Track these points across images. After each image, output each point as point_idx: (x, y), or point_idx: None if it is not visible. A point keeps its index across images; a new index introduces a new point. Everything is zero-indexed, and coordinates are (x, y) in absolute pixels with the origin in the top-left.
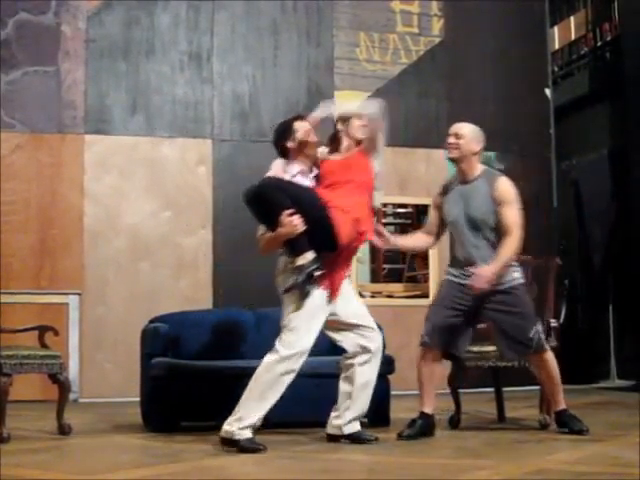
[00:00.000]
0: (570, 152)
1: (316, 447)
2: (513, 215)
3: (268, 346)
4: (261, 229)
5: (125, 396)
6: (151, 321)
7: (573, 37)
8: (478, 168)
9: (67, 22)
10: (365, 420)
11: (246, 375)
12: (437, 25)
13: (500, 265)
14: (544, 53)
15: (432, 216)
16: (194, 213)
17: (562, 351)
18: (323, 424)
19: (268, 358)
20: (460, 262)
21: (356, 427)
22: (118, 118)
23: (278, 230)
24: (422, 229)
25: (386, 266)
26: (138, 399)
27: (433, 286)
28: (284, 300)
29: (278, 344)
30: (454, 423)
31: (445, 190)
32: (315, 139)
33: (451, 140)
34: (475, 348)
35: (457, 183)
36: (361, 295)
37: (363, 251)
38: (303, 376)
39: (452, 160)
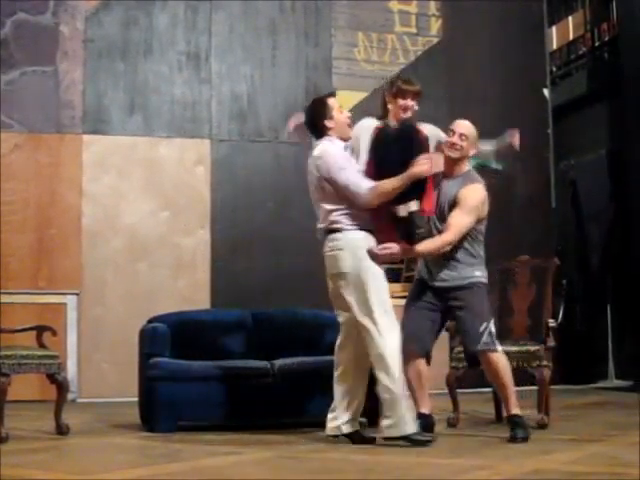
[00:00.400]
0: (568, 152)
1: (315, 447)
2: (459, 219)
3: (266, 346)
4: (364, 183)
5: (123, 396)
6: (149, 321)
7: (571, 37)
8: (465, 168)
9: (65, 22)
10: (364, 420)
11: (244, 375)
12: (435, 25)
13: (414, 252)
14: (542, 53)
15: None
16: (192, 213)
17: (560, 351)
18: (323, 424)
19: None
20: (432, 266)
21: (355, 426)
22: (116, 118)
23: (412, 170)
24: None
25: (384, 266)
26: (136, 399)
27: None
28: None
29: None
30: (452, 423)
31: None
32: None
33: (456, 140)
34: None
35: (441, 178)
36: None
37: None
38: (304, 376)
39: (451, 160)
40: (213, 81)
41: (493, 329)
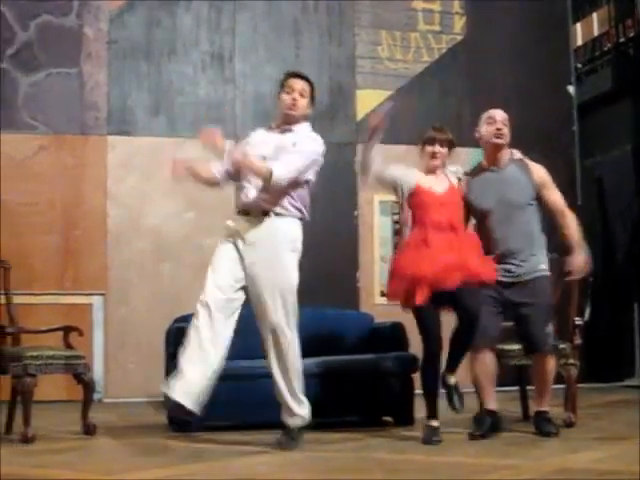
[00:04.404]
0: (594, 149)
1: (339, 446)
2: (559, 196)
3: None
4: None
5: (149, 396)
6: (175, 321)
7: (596, 33)
8: (508, 155)
9: (89, 24)
10: (390, 419)
11: (269, 375)
12: (459, 23)
13: (581, 246)
14: (567, 50)
15: None
16: (217, 214)
17: (587, 349)
18: (347, 424)
19: None
20: (496, 259)
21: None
22: (141, 119)
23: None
24: None
25: None
26: (162, 399)
27: None
28: None
29: None
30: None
31: (469, 179)
32: None
33: (500, 126)
34: (501, 346)
35: (484, 170)
36: (385, 294)
37: (388, 248)
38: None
39: (497, 147)
40: (237, 81)
41: (552, 330)
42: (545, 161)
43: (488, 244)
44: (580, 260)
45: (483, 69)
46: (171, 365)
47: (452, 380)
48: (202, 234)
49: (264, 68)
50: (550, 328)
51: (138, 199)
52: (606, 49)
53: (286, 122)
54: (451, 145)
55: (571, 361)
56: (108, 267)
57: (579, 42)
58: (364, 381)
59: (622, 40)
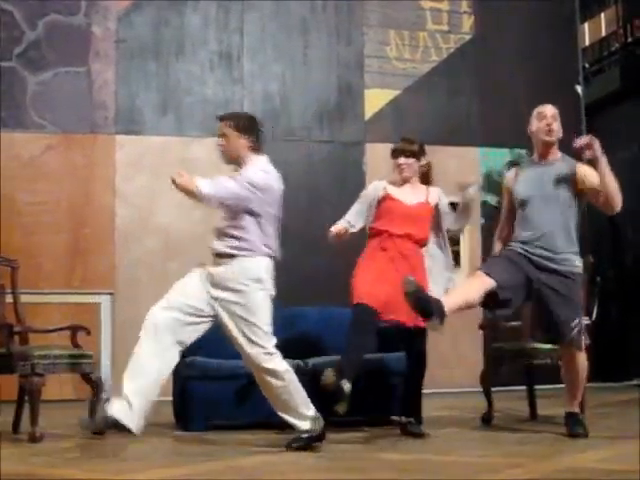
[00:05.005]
0: (602, 149)
1: (351, 447)
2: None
3: (297, 344)
4: None
5: (157, 395)
6: None
7: (604, 33)
8: (558, 152)
9: (97, 23)
10: (397, 419)
11: None
12: (467, 22)
13: (605, 163)
14: (575, 50)
15: (507, 201)
16: None
17: (595, 349)
18: (355, 423)
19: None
20: (527, 242)
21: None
22: (149, 118)
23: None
24: (501, 222)
25: None
26: (170, 398)
27: None
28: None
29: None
30: (486, 421)
31: (515, 172)
32: None
33: (550, 121)
34: (508, 346)
35: (532, 164)
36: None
37: None
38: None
39: (548, 144)
40: (245, 81)
41: (583, 326)
42: None
43: (523, 231)
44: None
45: (491, 69)
46: (180, 364)
47: (346, 387)
48: (210, 233)
49: (272, 68)
50: (578, 323)
51: (146, 198)
52: (614, 49)
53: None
54: (418, 155)
55: None
56: (116, 266)
57: (587, 42)
58: (370, 380)
59: (630, 40)
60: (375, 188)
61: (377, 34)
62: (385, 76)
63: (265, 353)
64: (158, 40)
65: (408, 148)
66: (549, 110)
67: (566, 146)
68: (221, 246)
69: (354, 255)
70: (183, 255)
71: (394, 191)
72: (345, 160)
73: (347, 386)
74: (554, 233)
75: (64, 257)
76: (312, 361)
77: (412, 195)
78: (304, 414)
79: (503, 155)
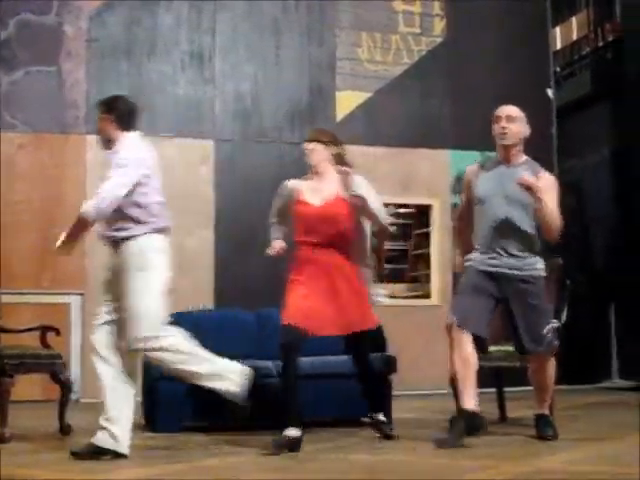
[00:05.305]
0: (572, 152)
1: (317, 447)
2: (550, 214)
3: (270, 346)
4: None
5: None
6: None
7: (575, 37)
8: (523, 155)
9: (69, 22)
10: (367, 420)
11: None
12: (439, 25)
13: (546, 204)
14: (546, 53)
15: (465, 194)
16: (196, 213)
17: (564, 351)
18: (323, 424)
19: None
20: (488, 245)
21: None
22: None
23: None
24: (457, 219)
25: (388, 266)
26: (140, 399)
27: (434, 287)
28: None
29: None
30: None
31: (477, 171)
32: None
33: (504, 124)
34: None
35: (496, 165)
36: None
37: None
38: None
39: (504, 148)
40: (217, 81)
41: (555, 328)
42: None
43: (481, 232)
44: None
45: (463, 71)
46: (148, 365)
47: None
48: (181, 233)
49: (244, 68)
50: (550, 329)
51: None
52: (585, 53)
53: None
54: (327, 143)
55: None
56: (87, 267)
57: (558, 46)
58: (342, 382)
59: (601, 44)
60: (280, 195)
61: (349, 36)
62: (357, 78)
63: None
64: (130, 40)
65: (312, 135)
66: (505, 112)
67: (537, 146)
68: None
69: None
70: None
71: (304, 191)
72: None
73: (294, 432)
74: (512, 233)
75: (34, 257)
76: (312, 361)
77: (322, 192)
78: (221, 375)
79: (474, 158)
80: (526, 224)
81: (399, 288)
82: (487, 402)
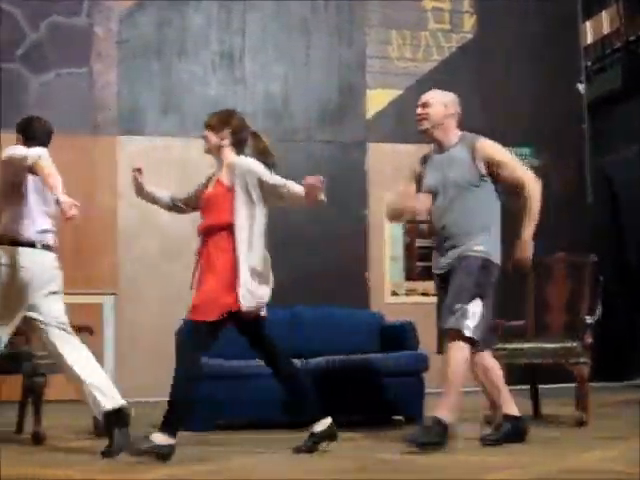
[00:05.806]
0: (604, 147)
1: (348, 445)
2: (516, 168)
3: (300, 344)
4: None
5: (160, 396)
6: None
7: (605, 32)
8: (455, 135)
9: (99, 23)
10: (400, 418)
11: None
12: (469, 22)
13: (532, 226)
14: (577, 48)
15: (409, 177)
16: None
17: (598, 348)
18: (357, 423)
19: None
20: (440, 237)
21: None
22: (150, 119)
23: None
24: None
25: (420, 264)
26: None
27: None
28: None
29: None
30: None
31: (424, 161)
32: None
33: (419, 111)
34: (511, 345)
35: (434, 153)
36: (395, 293)
37: (398, 248)
38: (338, 374)
39: (424, 132)
40: (247, 81)
41: (470, 312)
42: (555, 159)
43: (435, 225)
44: (523, 253)
45: (493, 67)
46: None
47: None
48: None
49: (274, 68)
50: (460, 308)
51: None
52: (616, 47)
53: None
54: (214, 127)
55: (582, 360)
56: (119, 267)
57: (589, 40)
58: (374, 380)
59: (632, 38)
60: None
61: (379, 34)
62: (387, 76)
63: None
64: (160, 40)
65: (205, 121)
66: (421, 99)
67: (571, 149)
68: None
69: (352, 256)
70: (184, 255)
71: (211, 177)
72: (347, 160)
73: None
74: (457, 227)
75: (67, 258)
76: (313, 361)
77: (217, 178)
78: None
79: None
80: (473, 207)
81: (431, 286)
82: (521, 399)
